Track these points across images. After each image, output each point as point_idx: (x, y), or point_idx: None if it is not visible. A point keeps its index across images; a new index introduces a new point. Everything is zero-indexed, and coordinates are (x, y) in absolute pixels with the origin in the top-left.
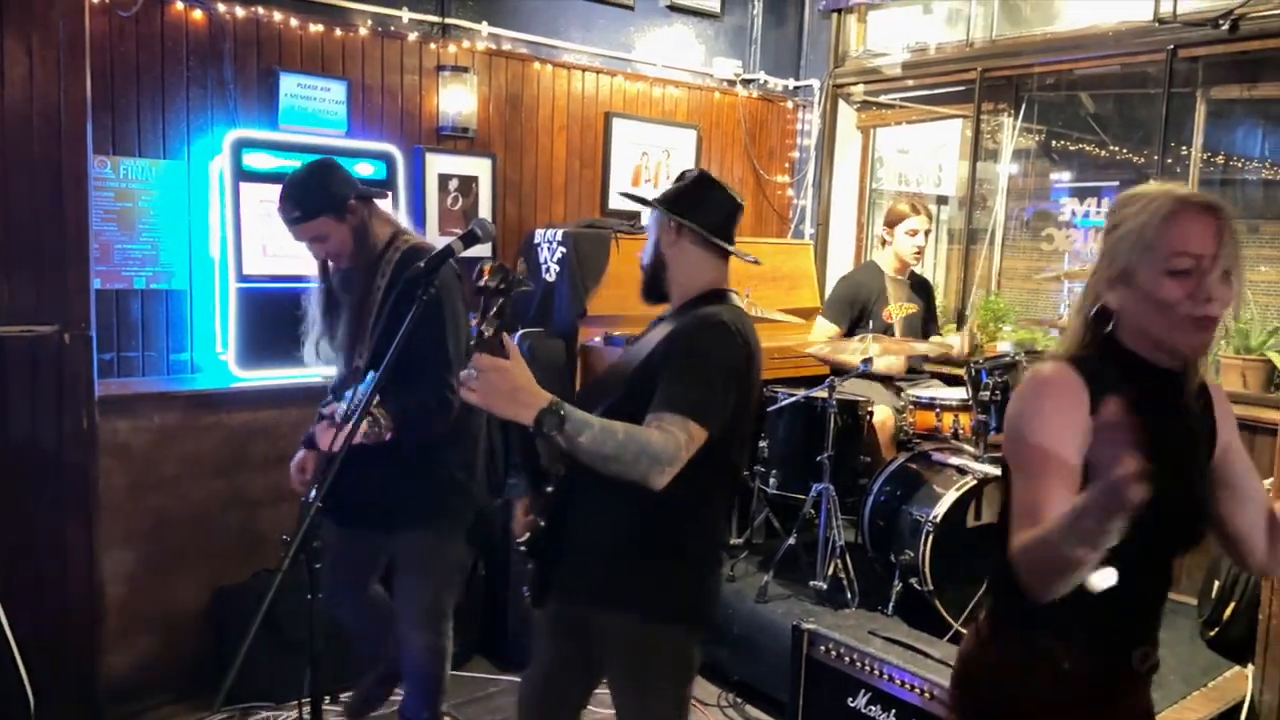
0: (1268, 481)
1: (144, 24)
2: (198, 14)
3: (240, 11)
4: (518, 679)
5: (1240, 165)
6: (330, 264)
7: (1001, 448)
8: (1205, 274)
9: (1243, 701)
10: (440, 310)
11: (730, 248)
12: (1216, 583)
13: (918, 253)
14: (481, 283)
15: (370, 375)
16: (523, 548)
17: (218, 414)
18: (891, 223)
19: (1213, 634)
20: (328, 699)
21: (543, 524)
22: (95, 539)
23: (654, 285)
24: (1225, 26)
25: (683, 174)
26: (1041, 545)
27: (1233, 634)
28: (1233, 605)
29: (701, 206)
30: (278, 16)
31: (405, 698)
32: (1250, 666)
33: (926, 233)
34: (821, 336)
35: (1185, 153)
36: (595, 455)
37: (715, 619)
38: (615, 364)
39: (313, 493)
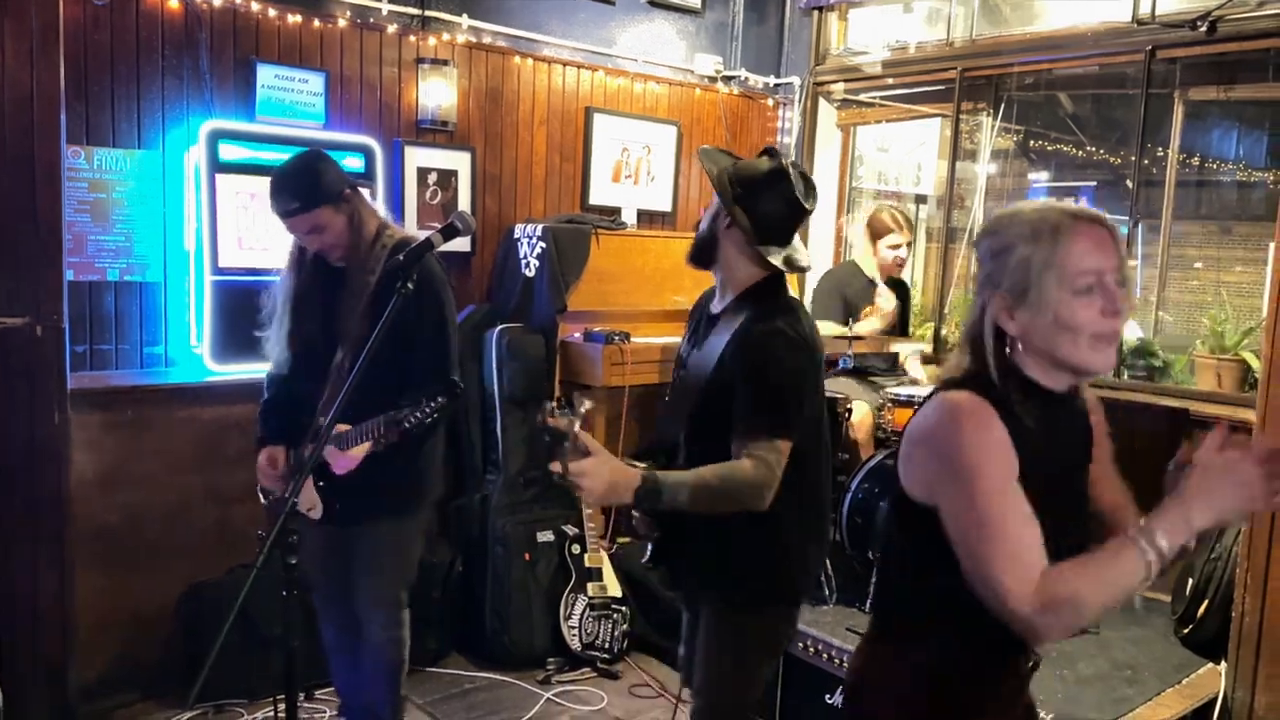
0: None
1: (118, 13)
2: (173, 3)
3: (217, 1)
4: (495, 676)
5: (1216, 167)
6: (319, 256)
7: (918, 485)
8: (1110, 288)
9: (1216, 698)
10: (439, 303)
11: (771, 257)
12: (1190, 581)
13: (898, 264)
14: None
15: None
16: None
17: (191, 408)
18: (875, 235)
19: (1186, 631)
20: (302, 695)
21: (657, 534)
22: (67, 534)
23: (701, 256)
24: (1203, 28)
25: (766, 150)
26: (1109, 586)
27: (1206, 632)
28: (1206, 603)
29: (762, 198)
30: (255, 6)
31: (371, 689)
32: (1223, 664)
33: (909, 244)
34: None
35: (1162, 154)
36: (700, 508)
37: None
38: (685, 376)
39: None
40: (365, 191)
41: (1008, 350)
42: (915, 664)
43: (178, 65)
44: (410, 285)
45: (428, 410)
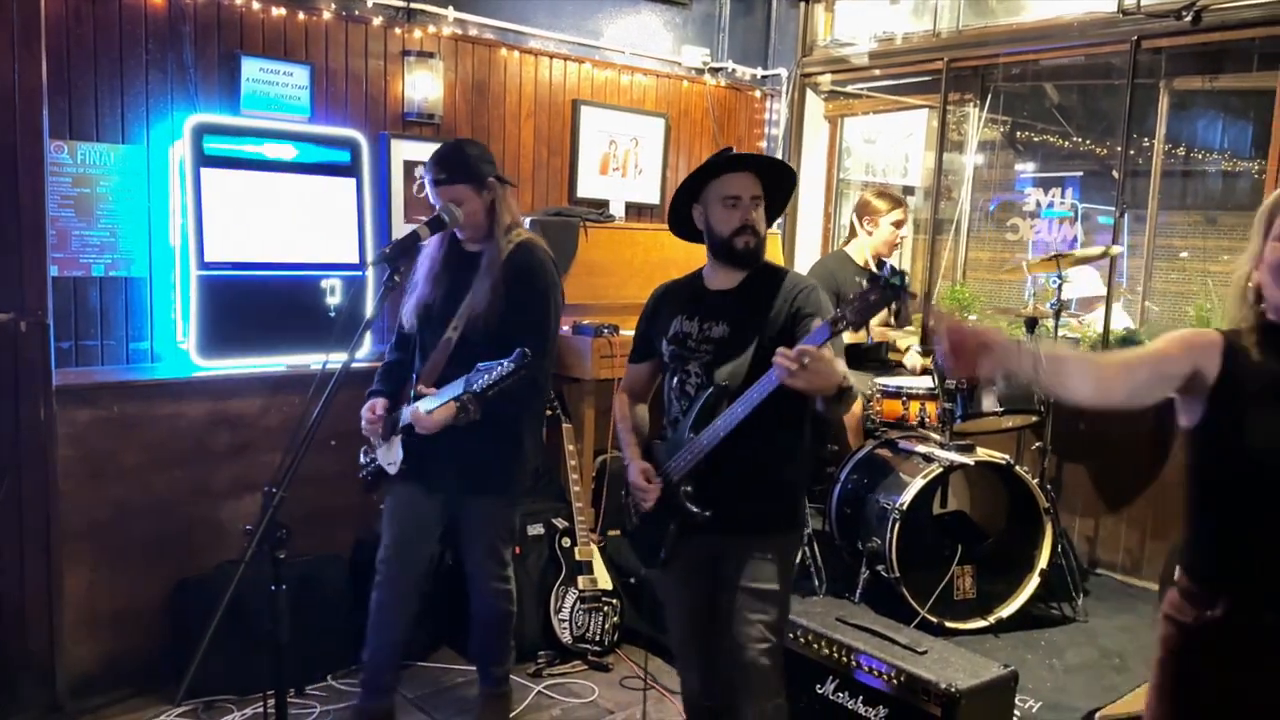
0: None
1: (101, 6)
2: None
3: None
4: None
5: (1202, 156)
6: (455, 239)
7: None
8: None
9: None
10: (543, 297)
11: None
12: (1178, 569)
13: (897, 243)
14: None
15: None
16: (695, 512)
17: (179, 403)
18: (872, 214)
19: None
20: (292, 691)
21: (690, 489)
22: (53, 531)
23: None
24: (1188, 18)
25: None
26: None
27: None
28: None
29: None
30: (239, 0)
31: (479, 641)
32: None
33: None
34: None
35: (1148, 144)
36: (851, 397)
37: None
38: (724, 339)
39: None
40: (348, 187)
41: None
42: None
43: (161, 59)
44: (397, 279)
45: (495, 374)
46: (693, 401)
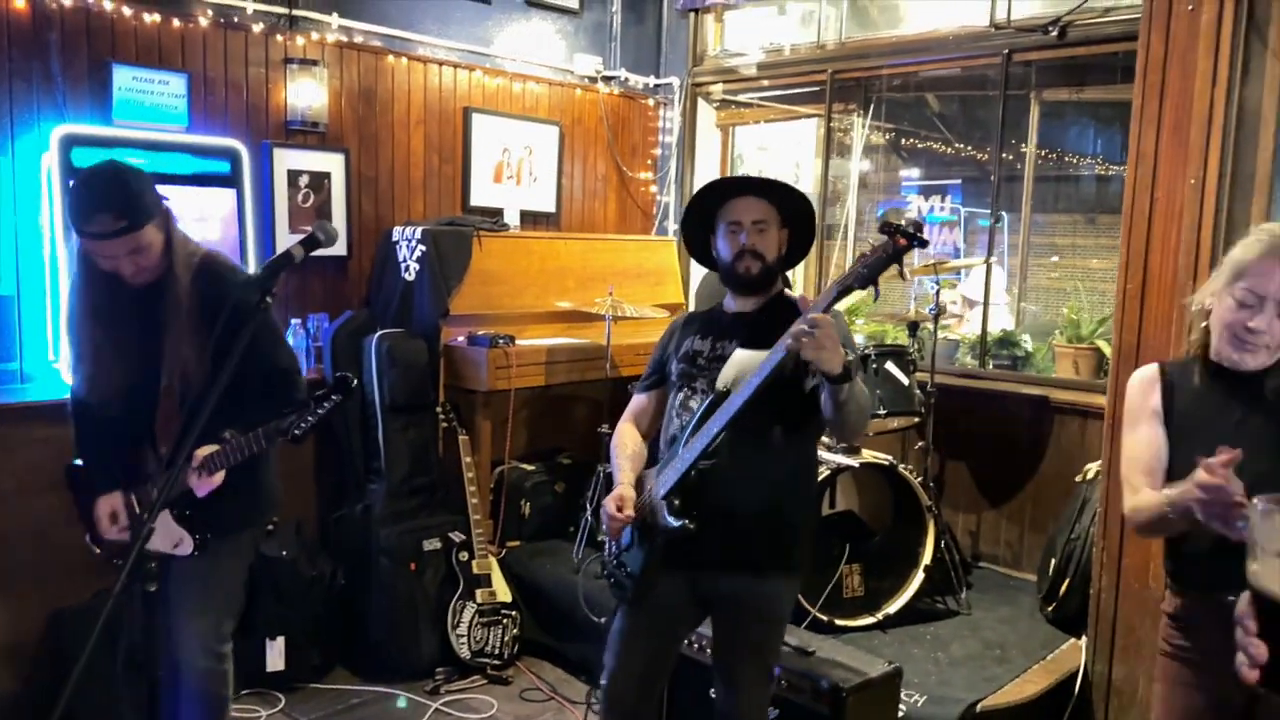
0: (1095, 465)
1: None
2: (20, 2)
3: (67, 1)
4: (381, 689)
5: (1075, 162)
6: (126, 277)
7: None
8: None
9: (1077, 671)
10: (270, 316)
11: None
12: (1053, 561)
13: None
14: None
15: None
16: (677, 527)
17: (51, 426)
18: None
19: (1051, 609)
20: None
21: (692, 526)
22: None
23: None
24: (1054, 33)
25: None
26: None
27: (1068, 609)
28: (1067, 581)
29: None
30: (109, 6)
31: None
32: (1084, 639)
33: None
34: None
35: (1023, 150)
36: (861, 399)
37: None
38: (736, 365)
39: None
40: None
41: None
42: None
43: (26, 68)
44: (270, 299)
45: (320, 413)
46: (694, 414)
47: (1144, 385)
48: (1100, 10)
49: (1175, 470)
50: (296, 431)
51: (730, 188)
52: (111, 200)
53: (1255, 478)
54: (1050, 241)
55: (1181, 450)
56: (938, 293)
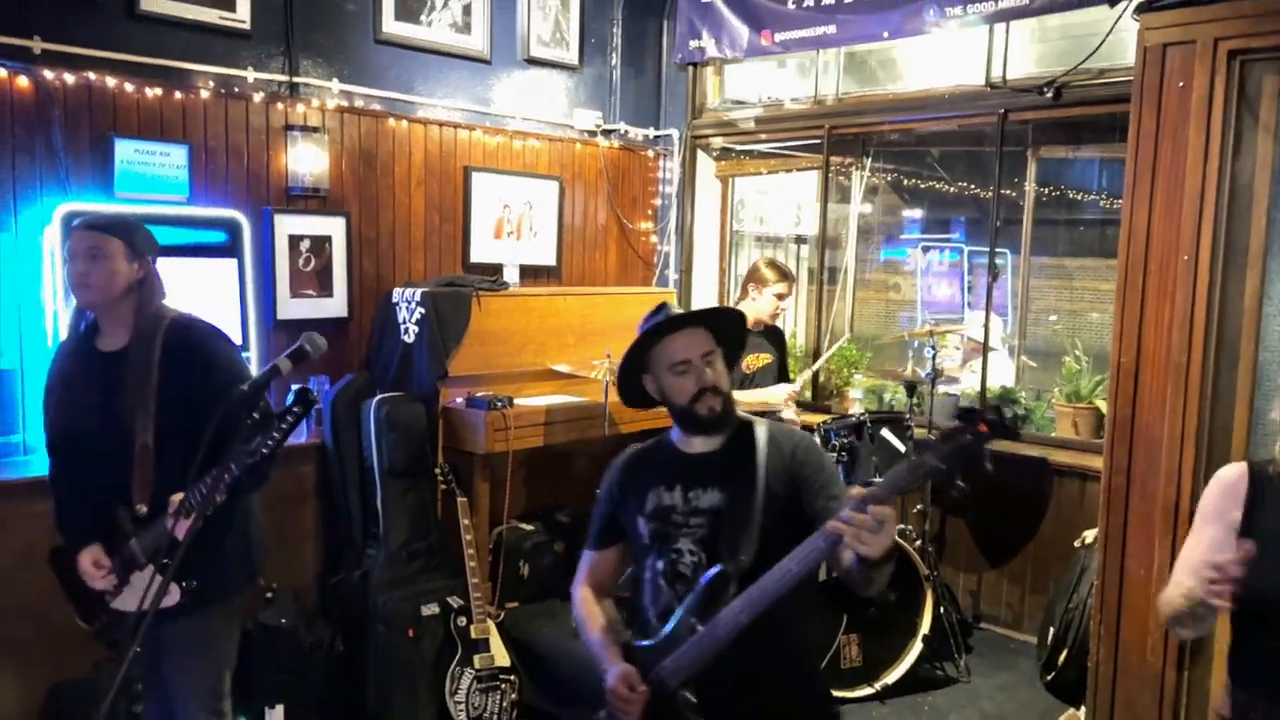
0: (1092, 532)
1: None
2: (23, 81)
3: (70, 78)
4: None
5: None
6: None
7: None
8: None
9: None
10: (226, 360)
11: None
12: (1051, 629)
13: (778, 314)
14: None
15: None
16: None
17: (51, 500)
18: (760, 283)
19: (1049, 678)
20: None
21: (692, 697)
22: None
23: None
24: (1050, 94)
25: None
26: None
27: (1067, 677)
28: (1065, 651)
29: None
30: (111, 81)
31: None
32: (1082, 709)
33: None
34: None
35: (1022, 195)
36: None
37: None
38: (719, 512)
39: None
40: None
41: None
42: None
43: (29, 144)
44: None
45: (284, 428)
46: (691, 586)
47: (1226, 489)
48: (1095, 72)
49: (1270, 585)
50: (264, 450)
51: (667, 327)
52: (109, 217)
53: None
54: (1050, 284)
55: (1267, 564)
56: (934, 357)
